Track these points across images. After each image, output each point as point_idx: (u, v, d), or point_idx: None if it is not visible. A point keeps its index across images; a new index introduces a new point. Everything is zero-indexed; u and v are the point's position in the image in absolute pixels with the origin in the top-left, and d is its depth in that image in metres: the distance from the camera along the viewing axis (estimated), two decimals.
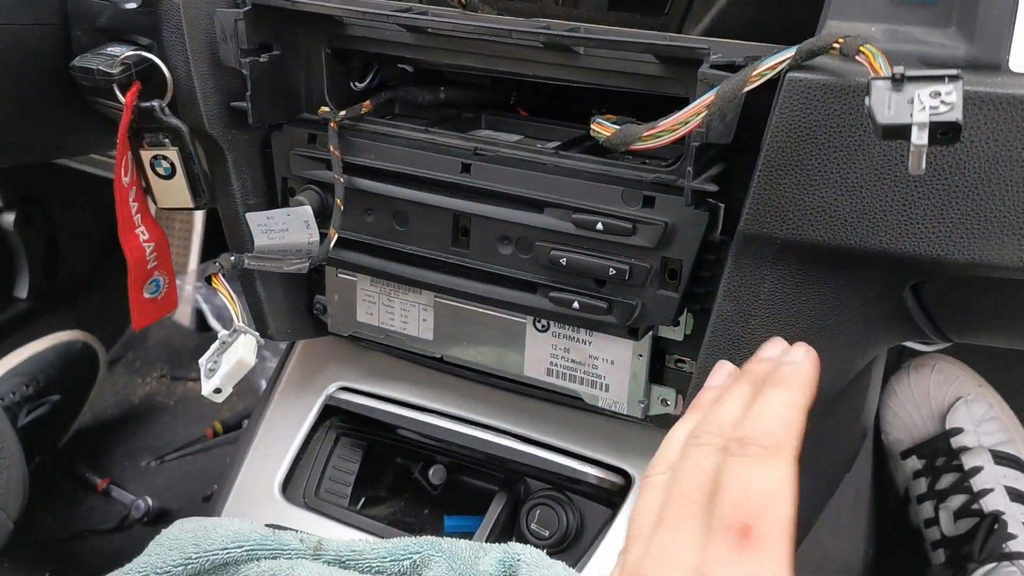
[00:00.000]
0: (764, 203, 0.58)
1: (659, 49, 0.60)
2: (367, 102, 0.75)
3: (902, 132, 0.48)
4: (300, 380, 0.89)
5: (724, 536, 0.43)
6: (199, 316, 1.71)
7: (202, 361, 0.62)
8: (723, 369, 0.55)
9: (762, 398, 0.48)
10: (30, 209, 1.48)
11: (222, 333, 0.63)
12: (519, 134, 0.78)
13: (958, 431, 1.10)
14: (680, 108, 0.58)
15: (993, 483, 1.07)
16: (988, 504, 1.06)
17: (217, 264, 0.65)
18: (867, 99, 0.49)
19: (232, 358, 0.61)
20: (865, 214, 0.56)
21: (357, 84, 0.79)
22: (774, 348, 0.54)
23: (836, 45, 0.53)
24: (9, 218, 1.45)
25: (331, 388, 0.87)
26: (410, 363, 0.86)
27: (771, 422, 0.46)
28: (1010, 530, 1.03)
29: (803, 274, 0.61)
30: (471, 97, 0.81)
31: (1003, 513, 1.05)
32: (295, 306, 0.84)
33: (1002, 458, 1.09)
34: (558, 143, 0.72)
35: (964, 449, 1.09)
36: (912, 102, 0.48)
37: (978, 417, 1.11)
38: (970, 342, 0.84)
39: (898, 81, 0.48)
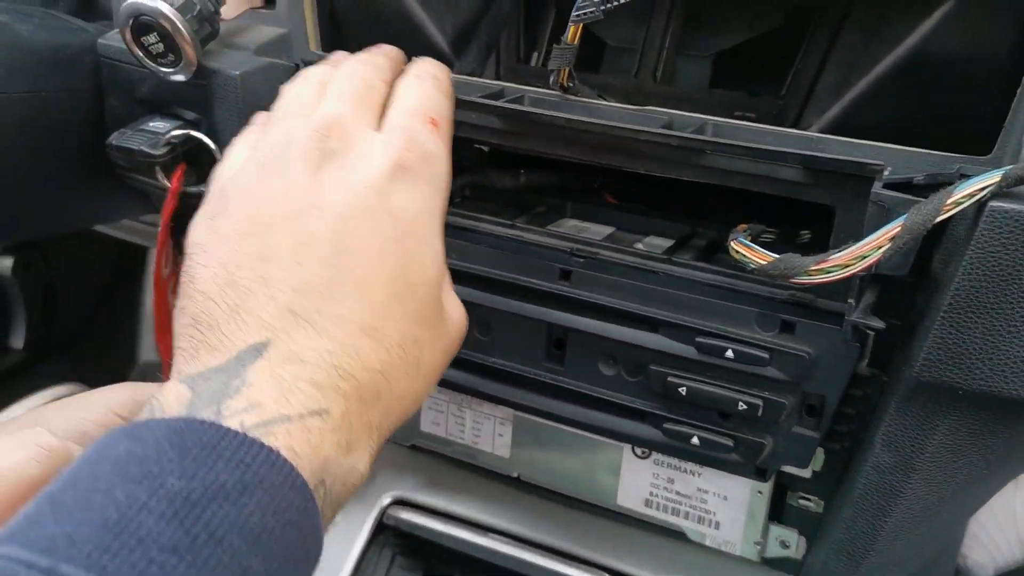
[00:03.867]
0: (947, 348, 0.49)
1: (817, 163, 0.52)
2: None
3: None
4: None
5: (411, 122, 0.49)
6: None
7: None
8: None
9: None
10: (29, 254, 1.38)
11: None
12: (610, 225, 0.69)
13: None
14: (823, 216, 0.51)
15: None
16: None
17: None
18: None
19: None
20: None
21: None
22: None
23: None
24: (7, 263, 1.35)
25: (385, 500, 0.77)
26: (476, 473, 0.76)
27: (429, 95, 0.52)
28: None
29: (979, 424, 0.53)
30: (553, 181, 0.73)
31: None
32: None
33: None
34: (664, 244, 0.64)
35: None
36: None
37: None
38: None
39: None
